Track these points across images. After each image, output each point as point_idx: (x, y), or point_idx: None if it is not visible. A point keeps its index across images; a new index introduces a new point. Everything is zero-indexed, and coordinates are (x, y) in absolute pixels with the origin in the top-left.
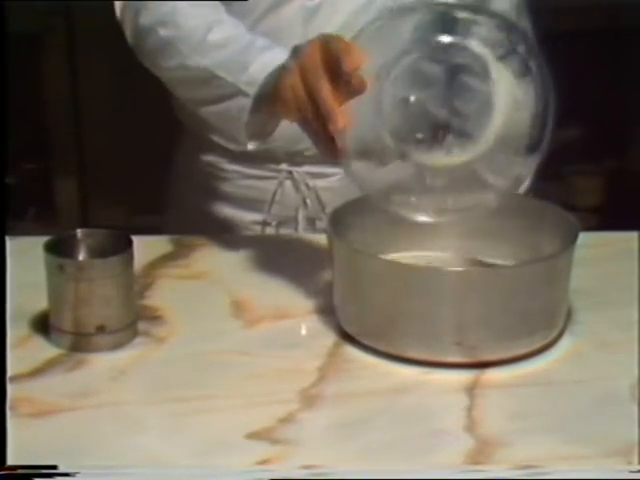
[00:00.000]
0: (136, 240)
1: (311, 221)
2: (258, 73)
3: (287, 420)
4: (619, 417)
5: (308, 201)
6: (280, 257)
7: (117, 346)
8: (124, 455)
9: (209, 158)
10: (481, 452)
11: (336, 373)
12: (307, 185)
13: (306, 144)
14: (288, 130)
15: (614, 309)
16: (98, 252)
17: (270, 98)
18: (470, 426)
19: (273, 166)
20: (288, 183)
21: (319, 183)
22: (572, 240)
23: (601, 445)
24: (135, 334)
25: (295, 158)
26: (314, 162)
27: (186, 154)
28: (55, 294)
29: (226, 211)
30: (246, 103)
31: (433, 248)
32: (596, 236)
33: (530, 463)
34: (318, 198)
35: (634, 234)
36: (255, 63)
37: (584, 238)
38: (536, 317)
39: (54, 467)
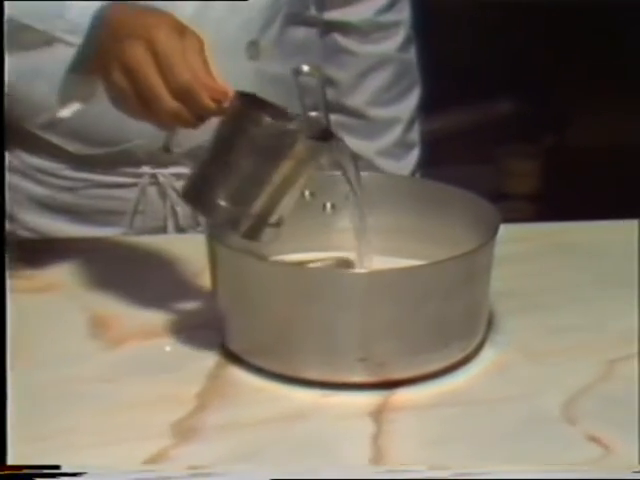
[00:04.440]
0: None
1: (183, 232)
2: (78, 17)
3: (159, 458)
4: (549, 438)
5: (178, 209)
6: (148, 264)
7: None
8: None
9: (41, 163)
10: None
11: (218, 400)
12: (175, 190)
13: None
14: (149, 125)
15: (543, 313)
16: None
17: (91, 54)
18: (377, 457)
19: (132, 170)
20: (152, 189)
21: None
22: (492, 234)
23: None
24: None
25: (159, 158)
26: (183, 161)
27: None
28: None
29: (69, 228)
30: (67, 55)
31: (333, 248)
32: (524, 228)
33: None
34: None
35: (568, 225)
36: (72, 6)
37: (510, 231)
38: (452, 325)
39: (57, 467)
